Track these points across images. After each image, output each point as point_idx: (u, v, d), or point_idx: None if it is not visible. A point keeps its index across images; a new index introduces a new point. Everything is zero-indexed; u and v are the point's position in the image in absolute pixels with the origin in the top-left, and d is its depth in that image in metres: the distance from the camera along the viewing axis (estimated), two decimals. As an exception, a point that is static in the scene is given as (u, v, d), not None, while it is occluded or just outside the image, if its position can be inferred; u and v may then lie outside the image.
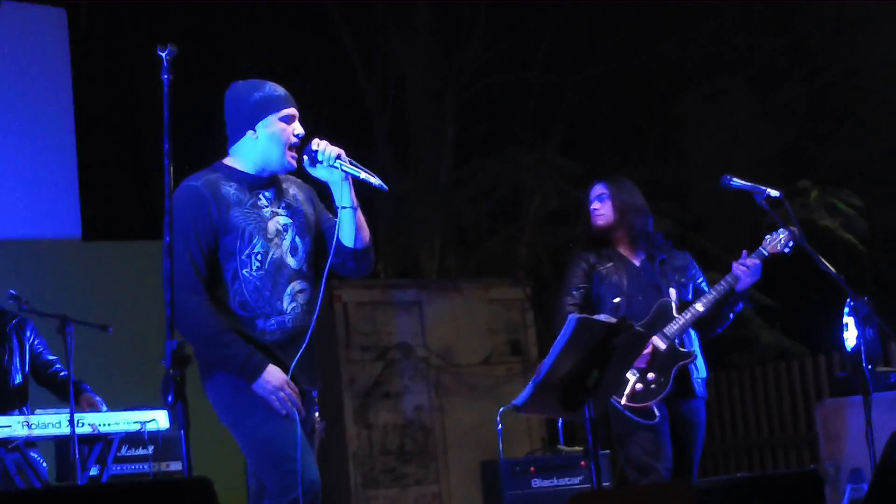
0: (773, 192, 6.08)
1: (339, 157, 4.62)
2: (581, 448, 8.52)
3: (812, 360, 12.49)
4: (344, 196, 4.67)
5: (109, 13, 14.40)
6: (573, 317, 4.91)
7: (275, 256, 4.66)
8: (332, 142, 4.71)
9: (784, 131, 14.12)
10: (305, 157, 4.67)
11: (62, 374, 7.18)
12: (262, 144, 4.67)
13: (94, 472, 7.02)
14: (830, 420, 8.23)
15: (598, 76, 14.47)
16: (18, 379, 7.15)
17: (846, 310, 6.92)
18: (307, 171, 4.73)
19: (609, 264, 6.34)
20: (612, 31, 14.36)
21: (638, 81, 14.68)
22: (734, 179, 6.17)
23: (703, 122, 13.96)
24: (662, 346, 6.10)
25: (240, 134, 4.72)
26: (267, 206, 4.70)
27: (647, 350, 6.04)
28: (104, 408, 7.03)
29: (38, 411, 6.92)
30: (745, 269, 6.14)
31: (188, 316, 4.47)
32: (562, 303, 6.32)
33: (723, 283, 6.15)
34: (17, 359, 7.16)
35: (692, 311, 6.12)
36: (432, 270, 13.35)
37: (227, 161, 4.78)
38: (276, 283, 4.65)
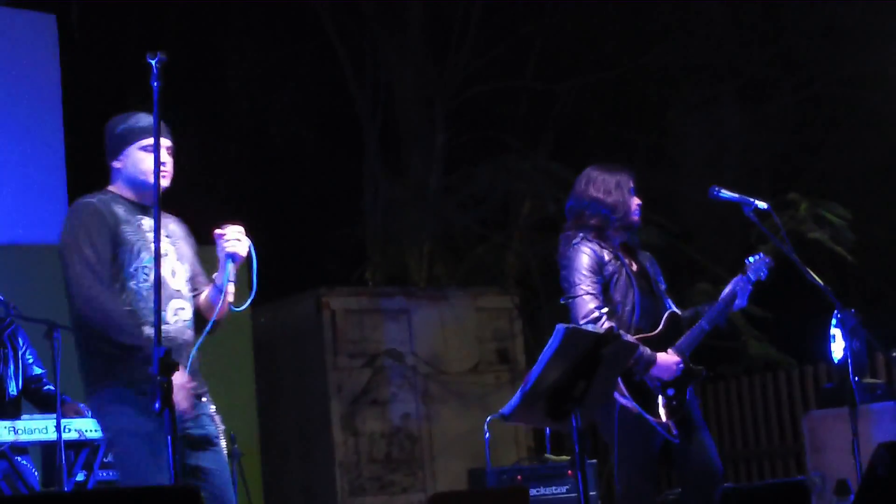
0: (761, 204, 6.06)
1: (232, 256, 4.86)
2: (568, 457, 8.52)
3: (799, 370, 12.48)
4: (220, 278, 4.95)
5: (100, 19, 14.38)
6: (561, 326, 4.91)
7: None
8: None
9: (773, 141, 14.12)
10: (217, 232, 4.91)
11: (45, 388, 7.19)
12: (128, 172, 5.00)
13: (80, 477, 7.00)
14: (817, 431, 8.23)
15: (589, 84, 14.47)
16: (13, 389, 7.13)
17: (833, 321, 6.91)
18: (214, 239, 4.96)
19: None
20: (602, 39, 14.36)
21: (628, 90, 14.67)
22: (722, 191, 6.14)
23: (693, 132, 13.94)
24: (679, 360, 5.86)
25: (110, 163, 5.07)
26: (149, 231, 4.90)
27: (678, 362, 5.83)
28: (89, 414, 7.01)
29: (24, 417, 6.91)
30: (743, 288, 6.00)
31: (99, 306, 4.74)
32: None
33: (723, 300, 6.01)
34: (13, 368, 7.15)
35: (702, 326, 5.94)
36: (421, 278, 13.33)
37: (111, 188, 5.07)
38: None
